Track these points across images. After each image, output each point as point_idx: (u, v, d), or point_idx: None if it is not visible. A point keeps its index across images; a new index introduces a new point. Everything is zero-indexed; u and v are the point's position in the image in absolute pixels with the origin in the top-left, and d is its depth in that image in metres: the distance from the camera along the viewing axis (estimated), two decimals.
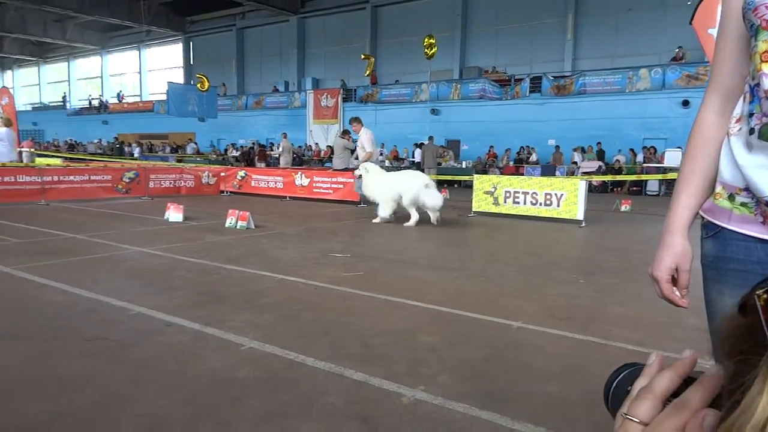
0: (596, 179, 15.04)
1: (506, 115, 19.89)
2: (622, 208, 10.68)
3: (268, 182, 12.41)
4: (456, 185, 17.34)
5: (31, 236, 6.20)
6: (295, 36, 27.87)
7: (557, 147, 18.25)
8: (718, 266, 1.06)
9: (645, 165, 15.51)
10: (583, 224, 8.18)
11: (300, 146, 23.45)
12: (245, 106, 27.85)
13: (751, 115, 0.99)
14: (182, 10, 29.77)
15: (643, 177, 13.60)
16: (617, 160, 16.63)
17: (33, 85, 42.85)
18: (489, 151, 19.30)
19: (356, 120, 9.91)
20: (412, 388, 2.36)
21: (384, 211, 8.12)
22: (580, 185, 8.30)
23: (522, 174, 15.33)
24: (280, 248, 5.87)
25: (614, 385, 0.50)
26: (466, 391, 2.34)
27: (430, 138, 16.75)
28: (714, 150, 1.08)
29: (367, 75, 23.39)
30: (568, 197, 8.37)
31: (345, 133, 12.28)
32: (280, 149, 18.14)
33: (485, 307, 3.65)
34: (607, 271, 5.05)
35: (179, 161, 22.78)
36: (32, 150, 15.29)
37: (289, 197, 11.89)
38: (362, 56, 23.48)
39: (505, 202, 9.07)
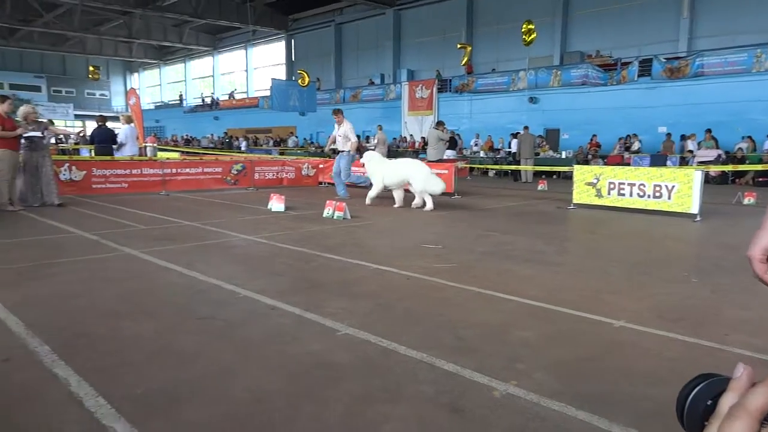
0: (714, 169, 13.74)
1: (611, 102, 18.72)
2: (745, 201, 9.68)
3: (364, 174, 12.69)
4: (555, 176, 16.66)
5: (154, 223, 6.87)
6: (391, 28, 28.11)
7: (668, 135, 16.89)
8: None
9: None
10: (698, 218, 7.53)
11: (394, 138, 23.68)
12: (342, 99, 28.62)
13: None
14: (285, 8, 31.14)
15: None
16: (740, 149, 15.05)
17: (155, 85, 47.05)
18: (591, 140, 18.29)
19: (338, 112, 10.19)
20: (504, 382, 2.34)
21: (373, 192, 8.97)
22: (695, 176, 7.64)
23: (628, 164, 14.39)
24: (374, 238, 6.02)
25: (690, 398, 0.45)
26: (561, 390, 2.27)
27: (526, 128, 16.23)
28: None
29: (463, 64, 23.07)
30: (680, 189, 7.73)
31: (439, 124, 12.24)
32: (375, 141, 18.47)
33: (585, 304, 3.51)
34: (725, 270, 4.63)
35: (281, 154, 23.94)
36: (155, 145, 16.85)
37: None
38: (458, 45, 23.18)
39: (608, 193, 8.58)
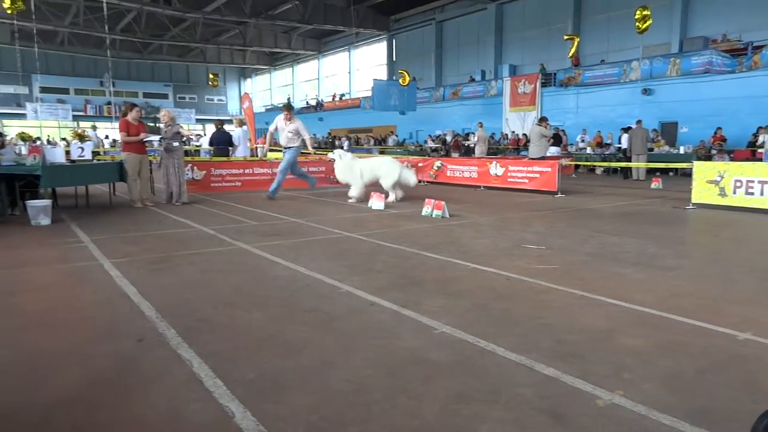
0: None
1: (739, 91, 16.88)
2: None
3: (462, 172, 12.60)
4: (671, 173, 15.42)
5: (263, 219, 7.33)
6: (493, 23, 27.52)
7: None
8: None
9: None
10: None
11: (492, 134, 23.14)
12: (442, 97, 28.53)
13: None
14: (387, 10, 31.66)
15: None
16: None
17: (265, 90, 49.96)
18: (715, 133, 16.64)
19: (289, 108, 9.92)
20: (609, 391, 2.23)
21: (355, 192, 9.26)
22: None
23: (760, 160, 12.92)
24: (473, 237, 5.96)
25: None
26: (673, 403, 2.13)
27: (638, 121, 15.14)
28: None
29: (570, 57, 22.02)
30: None
31: (542, 120, 11.82)
32: (476, 139, 18.22)
33: (703, 313, 3.23)
34: None
35: (381, 153, 24.39)
36: (264, 146, 17.92)
37: (484, 187, 11.91)
38: (565, 37, 22.16)
39: (734, 192, 7.79)
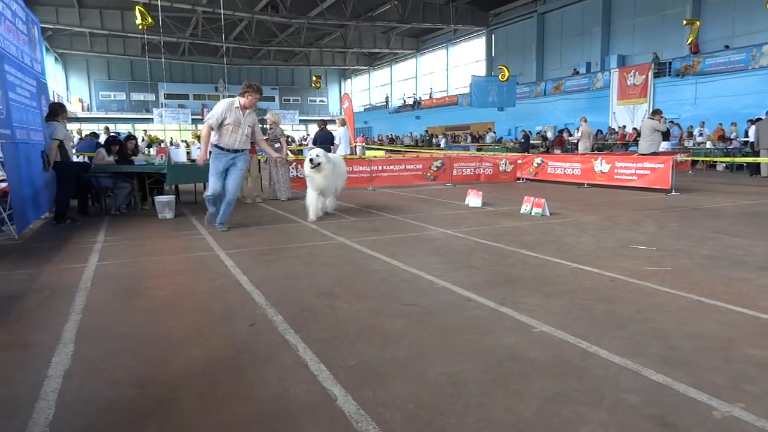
0: None
1: None
2: None
3: (564, 169, 12.10)
4: None
5: (362, 215, 7.56)
6: (600, 12, 26.06)
7: None
8: None
9: None
10: None
11: (599, 130, 21.94)
12: (543, 92, 27.52)
13: None
14: (486, 4, 31.12)
15: None
16: None
17: (364, 89, 51.19)
18: None
19: (252, 88, 6.95)
20: (728, 403, 2.07)
21: (333, 204, 7.64)
22: None
23: None
24: (575, 236, 5.73)
25: None
26: None
27: None
28: None
29: (689, 43, 20.29)
30: None
31: (655, 113, 11.04)
32: (579, 134, 17.39)
33: None
34: None
35: (479, 150, 24.06)
36: (363, 144, 18.39)
37: (588, 184, 11.35)
38: (684, 22, 20.44)
39: None
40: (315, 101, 51.77)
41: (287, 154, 10.38)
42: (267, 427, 1.96)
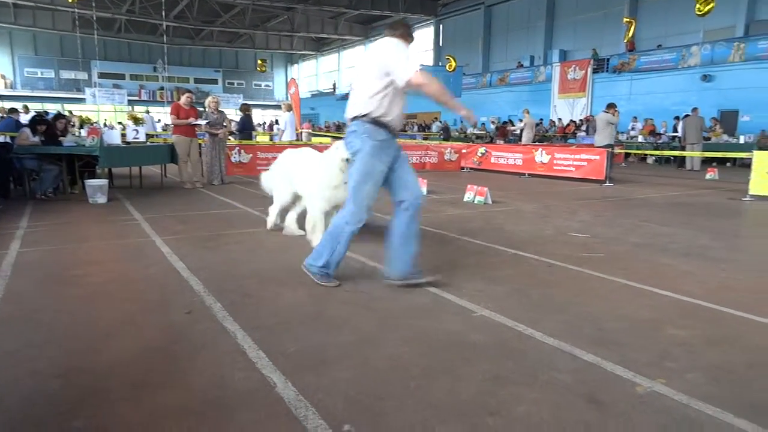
0: None
1: None
2: None
3: (507, 159, 12.41)
4: (728, 164, 14.69)
5: None
6: (544, 6, 26.72)
7: None
8: None
9: None
10: None
11: (540, 120, 22.61)
12: (489, 83, 28.04)
13: None
14: None
15: None
16: None
17: (311, 75, 50.39)
18: None
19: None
20: (650, 379, 2.19)
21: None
22: None
23: None
24: (515, 224, 5.89)
25: None
26: (718, 394, 2.07)
27: (695, 109, 14.48)
28: None
29: (626, 41, 21.17)
30: None
31: (610, 106, 11.44)
32: (523, 125, 17.87)
33: (758, 307, 3.10)
34: None
35: (425, 139, 24.27)
36: (310, 131, 18.13)
37: (528, 174, 11.69)
38: (624, 19, 21.29)
39: None
40: (260, 85, 50.48)
41: (227, 137, 10.05)
42: (201, 416, 1.90)
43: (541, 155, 11.49)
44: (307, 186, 4.64)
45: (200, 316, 2.90)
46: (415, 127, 30.00)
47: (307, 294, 3.32)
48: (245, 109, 12.93)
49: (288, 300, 3.21)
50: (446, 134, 23.51)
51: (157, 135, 18.48)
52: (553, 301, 3.23)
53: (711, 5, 16.48)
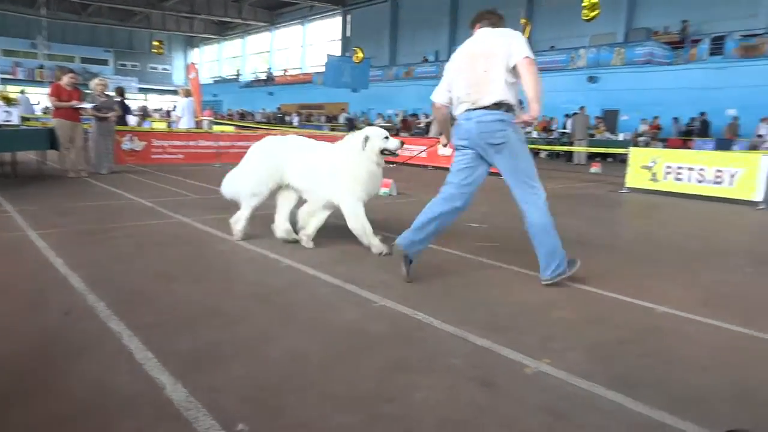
0: None
1: (676, 82, 17.72)
2: None
3: (412, 152, 12.64)
4: (609, 159, 16.07)
5: (207, 193, 7.13)
6: (448, 4, 27.53)
7: (735, 118, 15.87)
8: None
9: None
10: (762, 206, 7.10)
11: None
12: (395, 76, 28.43)
13: None
14: None
15: None
16: None
17: (214, 60, 48.21)
18: (653, 121, 17.44)
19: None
20: (536, 360, 2.34)
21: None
22: (761, 161, 7.19)
23: (690, 148, 13.67)
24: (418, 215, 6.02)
25: None
26: (594, 370, 2.25)
27: (582, 108, 15.69)
28: None
29: None
30: (745, 175, 7.31)
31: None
32: (430, 119, 18.32)
33: (629, 289, 3.42)
34: None
35: (332, 130, 24.16)
36: (211, 118, 17.35)
37: (432, 167, 12.03)
38: (521, 21, 22.41)
39: (665, 178, 8.22)
40: (157, 69, 47.41)
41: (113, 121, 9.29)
42: (82, 425, 1.76)
43: (444, 147, 11.83)
44: (331, 180, 4.12)
45: (81, 316, 2.67)
46: (322, 118, 29.79)
47: (202, 289, 3.17)
48: (120, 92, 11.99)
49: (180, 296, 3.05)
50: (350, 125, 23.64)
51: (36, 119, 16.80)
52: (451, 290, 3.35)
53: (596, 12, 17.78)
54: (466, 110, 3.36)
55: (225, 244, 4.35)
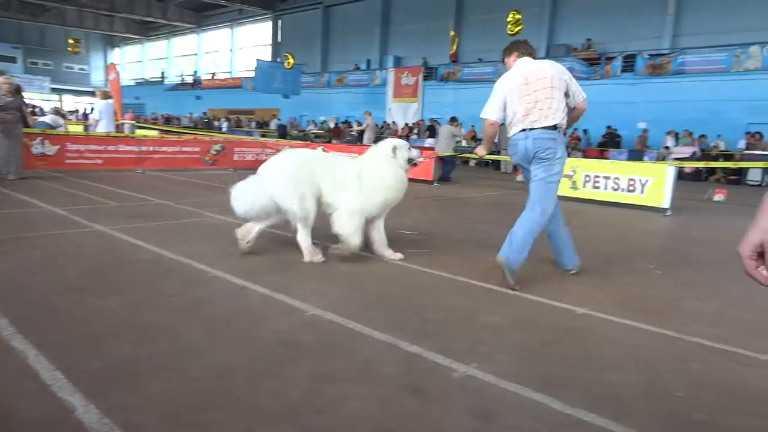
0: (687, 165, 13.99)
1: (593, 96, 18.55)
2: (716, 198, 9.90)
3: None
4: None
5: (127, 200, 6.76)
6: (380, 13, 27.86)
7: (645, 131, 17.13)
8: None
9: (746, 152, 14.22)
10: (669, 213, 7.68)
11: (377, 124, 23.60)
12: (327, 83, 28.35)
13: None
14: None
15: (743, 164, 12.49)
16: (714, 146, 15.35)
17: (137, 62, 46.05)
18: (572, 133, 18.44)
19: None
20: (465, 364, 2.38)
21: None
22: (668, 171, 7.78)
23: (607, 158, 14.58)
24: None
25: None
26: (519, 372, 2.32)
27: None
28: None
29: (452, 53, 23.00)
30: (654, 183, 7.88)
31: (453, 120, 12.27)
32: (364, 126, 18.41)
33: (551, 292, 3.57)
34: (689, 263, 4.74)
35: (263, 136, 23.70)
36: (133, 122, 16.52)
37: None
38: (451, 32, 23.05)
39: (584, 186, 8.70)
40: (73, 68, 44.61)
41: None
42: None
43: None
44: (352, 191, 4.20)
45: None
46: (253, 124, 29.18)
47: (120, 301, 2.99)
48: (16, 90, 11.11)
49: (95, 309, 2.85)
50: (282, 131, 23.40)
51: None
52: (382, 298, 3.35)
53: (520, 27, 18.66)
54: (522, 130, 3.80)
55: (146, 253, 4.13)
